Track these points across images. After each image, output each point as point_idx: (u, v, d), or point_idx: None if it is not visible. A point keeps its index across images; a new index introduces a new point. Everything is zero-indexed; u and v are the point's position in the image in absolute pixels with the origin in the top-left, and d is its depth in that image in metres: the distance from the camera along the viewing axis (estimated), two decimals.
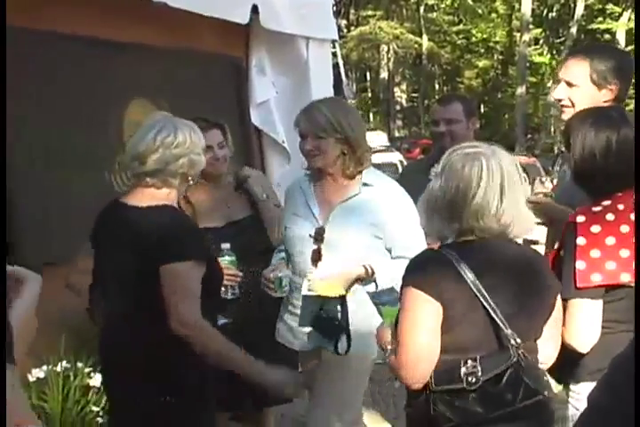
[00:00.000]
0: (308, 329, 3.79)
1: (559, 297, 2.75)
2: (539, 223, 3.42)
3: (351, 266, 3.65)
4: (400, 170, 19.29)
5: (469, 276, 2.51)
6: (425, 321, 2.54)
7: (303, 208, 3.86)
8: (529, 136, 40.43)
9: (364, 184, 3.78)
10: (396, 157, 21.01)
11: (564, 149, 3.35)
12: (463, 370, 2.52)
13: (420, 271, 2.61)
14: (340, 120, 3.71)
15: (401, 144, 29.85)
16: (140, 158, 3.14)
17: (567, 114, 3.62)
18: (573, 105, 3.64)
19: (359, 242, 3.70)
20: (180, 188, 3.26)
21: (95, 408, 4.14)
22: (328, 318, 3.65)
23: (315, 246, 3.73)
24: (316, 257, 3.72)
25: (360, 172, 3.79)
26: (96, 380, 4.22)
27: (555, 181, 4.78)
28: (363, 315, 3.63)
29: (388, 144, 23.13)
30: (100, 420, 4.09)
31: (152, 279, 3.03)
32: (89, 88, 4.91)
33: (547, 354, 2.75)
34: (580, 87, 3.63)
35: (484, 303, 2.50)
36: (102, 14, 4.96)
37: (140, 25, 5.27)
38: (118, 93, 5.16)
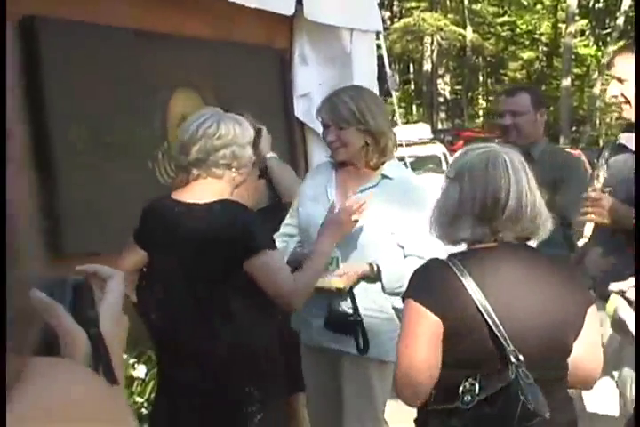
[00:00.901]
0: (321, 322, 3.69)
1: (593, 310, 2.55)
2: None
3: (354, 263, 3.59)
4: (443, 162, 19.19)
5: (474, 290, 2.37)
6: (423, 336, 2.43)
7: (321, 191, 3.80)
8: (574, 129, 40.03)
9: (384, 176, 3.72)
10: (439, 150, 20.83)
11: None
12: (461, 388, 2.38)
13: (422, 283, 2.50)
14: (363, 110, 3.65)
15: (444, 136, 29.62)
16: (184, 149, 3.18)
17: (626, 111, 3.56)
18: (628, 101, 3.58)
19: (369, 235, 3.62)
20: (230, 181, 3.25)
21: (139, 399, 4.16)
22: (341, 316, 3.60)
23: None
24: None
25: (383, 163, 3.72)
26: (140, 371, 4.24)
27: (602, 175, 4.68)
28: (379, 320, 3.61)
29: (431, 136, 22.94)
30: (144, 411, 4.10)
31: (230, 276, 3.10)
32: (134, 79, 4.94)
33: (585, 372, 2.58)
34: (629, 81, 3.58)
35: (488, 320, 2.36)
36: (147, 5, 4.97)
37: (185, 16, 5.29)
38: (163, 84, 5.18)
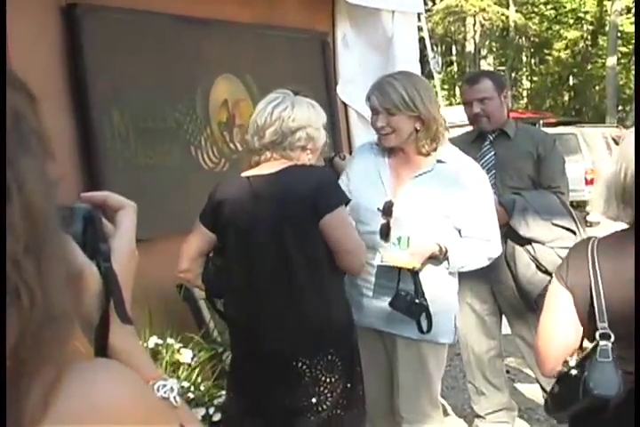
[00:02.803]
0: (382, 304, 3.69)
1: None
2: None
3: (427, 241, 3.59)
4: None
5: (596, 269, 2.41)
6: (557, 309, 2.50)
7: (374, 178, 3.79)
8: (620, 108, 39.55)
9: (438, 161, 3.71)
10: None
11: None
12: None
13: (563, 260, 2.57)
14: (414, 96, 3.62)
15: None
16: (258, 132, 3.26)
17: None
18: None
19: (427, 220, 3.63)
20: (302, 161, 3.33)
21: (186, 384, 4.18)
22: (408, 298, 3.58)
23: (384, 220, 3.67)
24: (385, 231, 3.66)
25: (435, 148, 3.70)
26: (186, 356, 4.26)
27: None
28: (440, 302, 3.61)
29: None
30: (190, 395, 4.12)
31: (314, 234, 3.23)
32: (175, 64, 4.94)
33: None
34: None
35: (595, 299, 2.39)
36: None
37: (227, 1, 5.28)
38: (205, 69, 5.18)
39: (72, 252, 1.01)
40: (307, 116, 3.26)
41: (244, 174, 3.35)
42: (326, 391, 3.26)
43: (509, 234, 4.43)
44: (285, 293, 3.26)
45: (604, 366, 2.36)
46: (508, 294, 4.64)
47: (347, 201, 3.31)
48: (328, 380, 3.25)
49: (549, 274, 4.44)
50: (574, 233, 4.40)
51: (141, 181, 4.65)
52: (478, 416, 5.00)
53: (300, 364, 3.23)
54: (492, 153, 4.69)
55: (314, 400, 3.25)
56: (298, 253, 3.24)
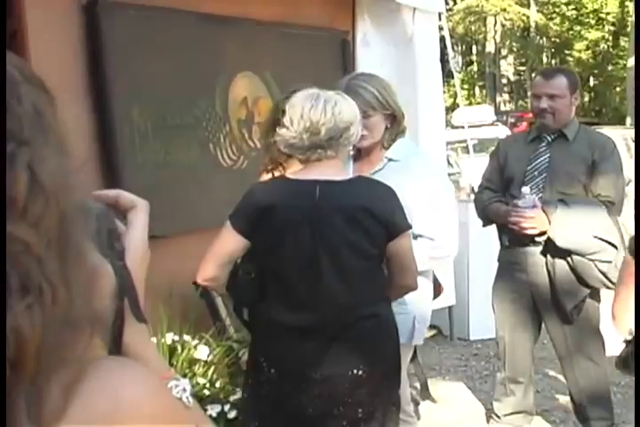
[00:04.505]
0: None
1: None
2: None
3: None
4: None
5: None
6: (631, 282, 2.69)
7: None
8: None
9: (390, 159, 3.70)
10: (502, 132, 20.52)
11: None
12: None
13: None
14: (385, 94, 3.64)
15: (507, 118, 29.31)
16: (310, 129, 3.12)
17: None
18: None
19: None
20: (343, 158, 3.31)
21: (202, 380, 4.18)
22: None
23: None
24: None
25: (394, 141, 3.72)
26: (202, 353, 4.26)
27: None
28: (395, 303, 3.57)
29: (494, 118, 22.67)
30: (206, 392, 4.13)
31: (374, 252, 3.17)
32: (196, 62, 4.95)
33: None
34: None
35: None
36: None
37: None
38: (225, 67, 5.19)
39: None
40: (353, 111, 3.19)
41: (295, 176, 3.22)
42: (379, 403, 3.23)
43: (547, 243, 4.40)
44: (347, 307, 3.17)
45: None
46: (545, 298, 4.60)
47: (411, 227, 3.26)
48: (380, 390, 3.21)
49: (589, 287, 4.42)
50: (616, 247, 4.27)
51: (160, 177, 4.66)
52: (494, 416, 4.98)
53: (358, 372, 3.16)
54: (547, 155, 4.61)
55: (367, 410, 3.20)
56: (361, 266, 3.18)
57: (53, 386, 0.77)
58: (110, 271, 1.03)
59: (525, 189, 4.39)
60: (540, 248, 4.50)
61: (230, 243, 3.19)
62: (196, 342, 4.31)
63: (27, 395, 0.74)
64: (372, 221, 3.12)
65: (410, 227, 3.23)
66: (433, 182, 3.65)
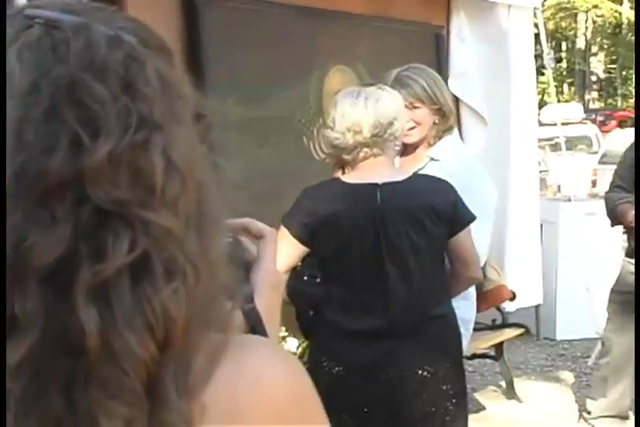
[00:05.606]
0: None
1: None
2: None
3: None
4: (595, 143, 18.71)
5: None
6: None
7: None
8: None
9: (432, 158, 3.66)
10: (591, 130, 20.31)
11: None
12: None
13: None
14: (434, 88, 3.61)
15: (596, 116, 28.89)
16: (353, 127, 3.07)
17: None
18: None
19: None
20: (391, 155, 3.25)
21: None
22: None
23: None
24: None
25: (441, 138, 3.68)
26: (291, 344, 4.29)
27: None
28: None
29: (583, 116, 22.36)
30: None
31: (437, 251, 3.18)
32: (292, 55, 4.97)
33: None
34: None
35: None
36: None
37: None
38: (320, 60, 5.21)
39: None
40: (397, 105, 3.15)
41: (351, 180, 3.15)
42: (445, 400, 3.21)
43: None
44: (413, 309, 3.15)
45: None
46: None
47: (474, 218, 3.21)
48: (445, 387, 3.19)
49: None
50: None
51: (253, 170, 4.69)
52: (586, 414, 4.94)
53: (424, 373, 3.15)
54: None
55: (432, 409, 3.19)
56: (426, 267, 3.16)
57: (199, 355, 0.78)
58: (239, 316, 0.98)
59: None
60: None
61: (289, 251, 3.07)
62: (284, 333, 4.34)
63: (175, 368, 0.76)
64: (435, 219, 3.10)
65: (472, 219, 3.20)
66: (472, 191, 3.44)
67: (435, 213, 3.09)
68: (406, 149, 3.68)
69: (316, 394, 0.89)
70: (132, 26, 0.85)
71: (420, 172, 3.56)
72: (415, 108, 3.57)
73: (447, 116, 3.66)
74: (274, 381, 0.83)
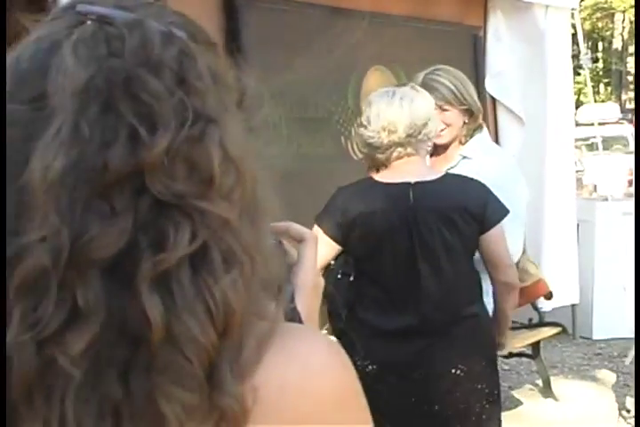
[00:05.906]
0: None
1: None
2: None
3: None
4: (631, 143, 18.54)
5: None
6: None
7: None
8: None
9: (464, 157, 3.67)
10: (627, 130, 20.14)
11: None
12: None
13: None
14: (462, 89, 3.62)
15: (632, 117, 28.65)
16: (388, 127, 3.08)
17: None
18: None
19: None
20: (424, 155, 3.27)
21: None
22: None
23: None
24: None
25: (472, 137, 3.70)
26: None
27: None
28: None
29: (619, 116, 22.17)
30: None
31: (470, 251, 3.19)
32: (330, 55, 5.00)
33: None
34: None
35: None
36: None
37: None
38: (358, 61, 5.24)
39: None
40: (430, 106, 3.17)
41: (385, 180, 3.17)
42: (480, 399, 3.22)
43: None
44: (447, 309, 3.16)
45: None
46: None
47: (507, 213, 3.20)
48: (480, 386, 3.20)
49: None
50: None
51: (292, 170, 4.74)
52: (626, 412, 4.94)
53: (458, 371, 3.16)
54: None
55: (465, 406, 3.19)
56: (458, 266, 3.18)
57: (250, 338, 0.80)
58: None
59: None
60: None
61: (322, 250, 2.88)
62: (324, 331, 4.38)
63: (230, 354, 0.78)
64: (467, 218, 3.11)
65: (503, 216, 3.18)
66: (505, 190, 3.40)
67: (467, 213, 3.11)
68: (438, 149, 3.70)
69: (359, 386, 0.90)
70: (181, 20, 0.87)
71: (452, 170, 3.59)
72: (444, 110, 3.60)
73: (476, 115, 3.69)
74: (321, 369, 0.84)
